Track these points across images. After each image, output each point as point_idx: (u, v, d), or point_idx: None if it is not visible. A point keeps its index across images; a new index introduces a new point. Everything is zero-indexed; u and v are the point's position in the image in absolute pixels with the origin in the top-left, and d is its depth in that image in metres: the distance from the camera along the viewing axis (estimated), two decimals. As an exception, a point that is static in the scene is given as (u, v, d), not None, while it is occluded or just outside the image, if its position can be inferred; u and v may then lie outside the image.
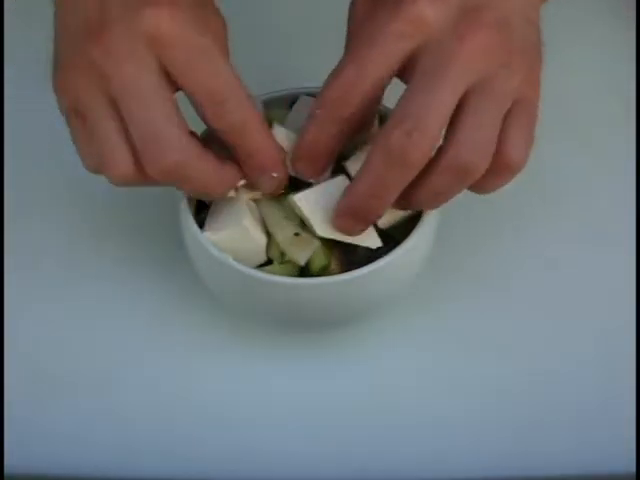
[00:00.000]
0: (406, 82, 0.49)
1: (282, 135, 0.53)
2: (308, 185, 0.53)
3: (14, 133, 0.65)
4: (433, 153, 0.49)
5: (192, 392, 0.58)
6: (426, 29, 0.48)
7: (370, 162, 0.49)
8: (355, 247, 0.52)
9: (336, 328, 0.59)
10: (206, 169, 0.50)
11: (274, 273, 0.52)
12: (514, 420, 0.57)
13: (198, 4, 0.50)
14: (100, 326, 0.60)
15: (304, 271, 0.53)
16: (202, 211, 0.54)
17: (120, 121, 0.49)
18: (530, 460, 0.56)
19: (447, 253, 0.60)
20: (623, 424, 0.56)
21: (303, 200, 0.52)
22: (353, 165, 0.53)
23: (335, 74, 0.50)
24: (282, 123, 0.55)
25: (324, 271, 0.52)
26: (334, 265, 0.53)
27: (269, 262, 0.53)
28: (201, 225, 0.53)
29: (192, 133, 0.50)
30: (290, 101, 0.57)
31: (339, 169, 0.53)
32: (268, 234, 0.53)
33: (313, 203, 0.52)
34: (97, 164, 0.50)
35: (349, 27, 0.52)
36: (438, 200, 0.51)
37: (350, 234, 0.52)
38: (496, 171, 0.50)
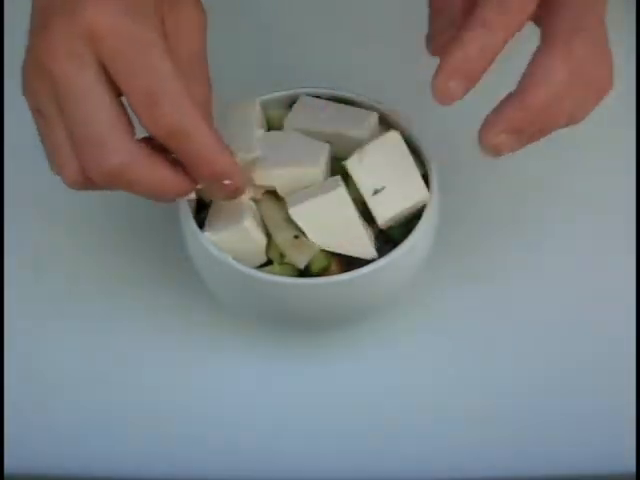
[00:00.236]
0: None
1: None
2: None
3: (14, 133, 0.65)
4: None
5: (192, 392, 0.58)
6: None
7: (554, 70, 0.45)
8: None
9: (336, 328, 0.59)
10: (153, 174, 0.47)
11: (274, 273, 0.52)
12: (514, 420, 0.57)
13: None
14: (100, 326, 0.60)
15: (304, 271, 0.53)
16: (202, 211, 0.54)
17: (64, 120, 0.46)
18: (530, 460, 0.56)
19: (447, 253, 0.60)
20: (623, 424, 0.56)
21: (299, 214, 0.52)
22: (353, 166, 0.53)
23: None
24: (282, 123, 0.56)
25: (324, 271, 0.52)
26: (334, 265, 0.53)
27: (269, 262, 0.53)
28: (201, 225, 0.53)
29: (145, 138, 0.47)
30: (290, 101, 0.57)
31: (339, 169, 0.53)
32: (268, 234, 0.53)
33: (309, 216, 0.52)
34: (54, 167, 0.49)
35: None
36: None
37: (501, 153, 0.48)
38: None
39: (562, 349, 0.59)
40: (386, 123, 0.56)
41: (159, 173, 0.47)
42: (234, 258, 0.52)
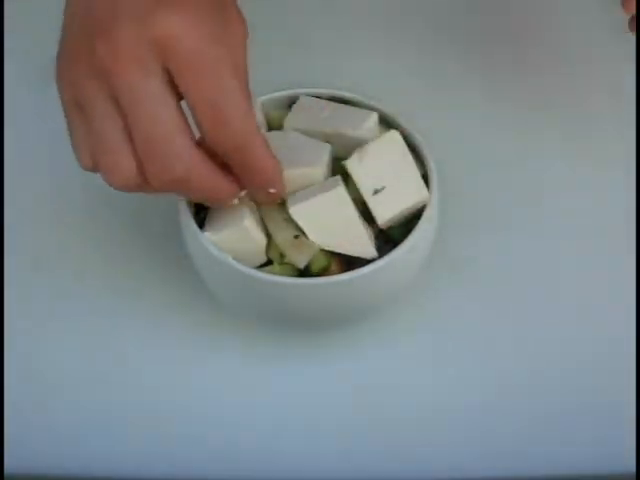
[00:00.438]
0: None
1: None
2: None
3: (15, 133, 0.65)
4: None
5: (192, 392, 0.58)
6: None
7: None
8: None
9: (336, 328, 0.59)
10: (210, 180, 0.48)
11: (274, 273, 0.52)
12: (514, 420, 0.57)
13: (217, 6, 0.48)
14: (100, 326, 0.60)
15: (304, 271, 0.53)
16: (202, 211, 0.54)
17: (123, 122, 0.47)
18: (530, 460, 0.56)
19: (447, 253, 0.60)
20: (623, 424, 0.56)
21: (299, 213, 0.52)
22: (353, 165, 0.53)
23: None
24: (282, 123, 0.55)
25: (324, 271, 0.52)
26: (334, 265, 0.53)
27: (269, 262, 0.53)
28: (201, 225, 0.53)
29: (197, 141, 0.48)
30: (290, 101, 0.57)
31: (339, 169, 0.53)
32: (268, 234, 0.53)
33: (309, 215, 0.52)
34: (95, 162, 0.48)
35: None
36: None
37: None
38: None
39: (562, 349, 0.59)
40: (386, 123, 0.56)
41: (218, 180, 0.48)
42: (234, 258, 0.52)
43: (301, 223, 0.52)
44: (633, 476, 0.54)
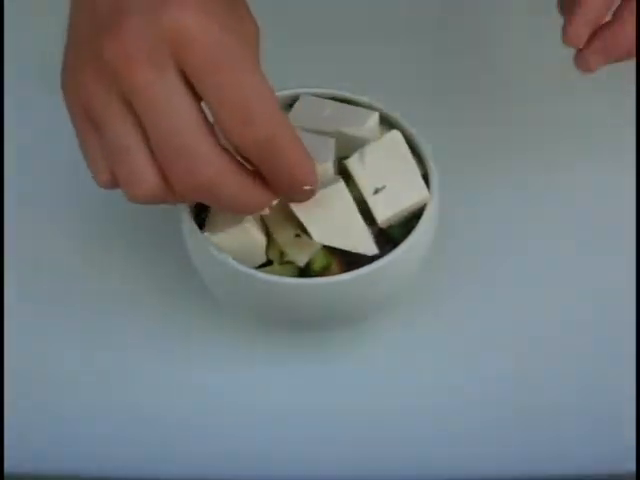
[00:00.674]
0: None
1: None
2: None
3: (14, 133, 0.65)
4: None
5: (192, 392, 0.58)
6: None
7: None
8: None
9: (336, 328, 0.59)
10: (241, 187, 0.44)
11: (274, 273, 0.52)
12: (514, 420, 0.57)
13: (230, 2, 0.44)
14: (100, 326, 0.60)
15: (304, 271, 0.53)
16: (202, 211, 0.54)
17: (141, 131, 0.43)
18: (530, 460, 0.56)
19: (447, 253, 0.60)
20: (623, 424, 0.56)
21: (300, 208, 0.52)
22: (353, 165, 0.53)
23: None
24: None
25: (325, 270, 0.52)
26: (334, 265, 0.53)
27: (269, 262, 0.53)
28: (201, 225, 0.53)
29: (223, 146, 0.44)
30: (290, 101, 0.57)
31: (339, 168, 0.53)
32: (268, 234, 0.53)
33: (310, 211, 0.52)
34: (113, 176, 0.45)
35: None
36: None
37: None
38: None
39: (562, 349, 0.59)
40: (387, 123, 0.56)
41: (249, 185, 0.45)
42: (234, 258, 0.52)
43: (302, 218, 0.52)
44: (633, 476, 0.54)
